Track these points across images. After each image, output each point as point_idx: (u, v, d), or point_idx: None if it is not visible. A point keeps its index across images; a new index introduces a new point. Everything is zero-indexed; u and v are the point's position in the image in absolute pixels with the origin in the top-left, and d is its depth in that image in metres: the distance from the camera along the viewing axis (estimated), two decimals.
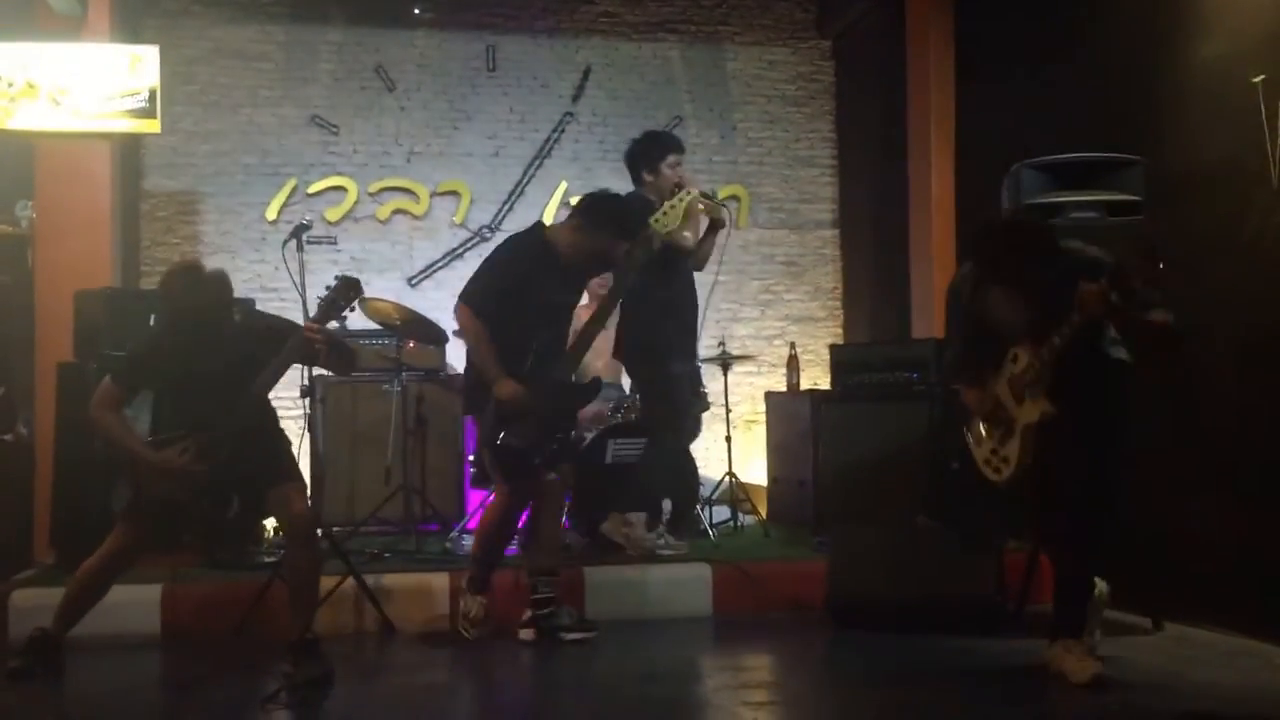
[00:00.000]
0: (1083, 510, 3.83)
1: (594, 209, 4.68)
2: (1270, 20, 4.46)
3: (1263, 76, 4.37)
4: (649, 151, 5.75)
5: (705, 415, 6.37)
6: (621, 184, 7.90)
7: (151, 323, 5.48)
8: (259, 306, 6.41)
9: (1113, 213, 4.68)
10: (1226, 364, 4.60)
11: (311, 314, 4.11)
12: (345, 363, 4.33)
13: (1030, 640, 4.39)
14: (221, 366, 3.98)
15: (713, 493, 6.39)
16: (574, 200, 7.78)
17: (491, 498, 4.85)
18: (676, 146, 5.81)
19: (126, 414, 4.11)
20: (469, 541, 6.06)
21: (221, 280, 4.11)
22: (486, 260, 4.74)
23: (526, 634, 4.56)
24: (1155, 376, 3.96)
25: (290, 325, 4.19)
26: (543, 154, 7.92)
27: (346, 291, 4.09)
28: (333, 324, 4.18)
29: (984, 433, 4.04)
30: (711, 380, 6.45)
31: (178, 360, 4.02)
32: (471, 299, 4.54)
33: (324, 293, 4.08)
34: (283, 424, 4.29)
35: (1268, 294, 4.41)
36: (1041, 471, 3.86)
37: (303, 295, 5.02)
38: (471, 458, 6.49)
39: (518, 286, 4.49)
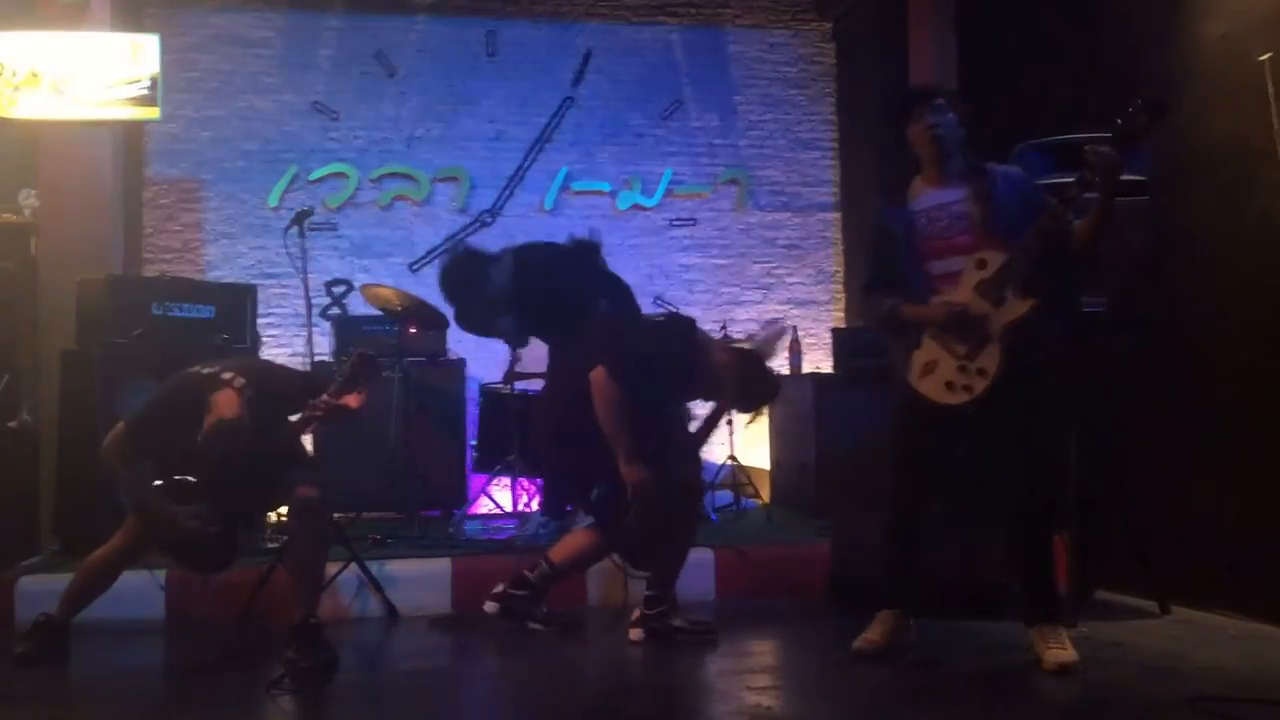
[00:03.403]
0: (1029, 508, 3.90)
1: None
2: None
3: (1269, 54, 4.34)
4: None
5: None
6: (619, 168, 7.97)
7: (154, 310, 5.54)
8: (260, 293, 6.42)
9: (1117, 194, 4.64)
10: (1234, 345, 4.58)
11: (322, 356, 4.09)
12: (347, 421, 4.31)
13: None
14: (229, 451, 3.93)
15: (715, 477, 6.39)
16: (575, 188, 7.88)
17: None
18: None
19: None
20: (471, 527, 6.09)
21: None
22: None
23: (635, 634, 4.37)
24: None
25: (302, 389, 4.17)
26: (543, 138, 7.89)
27: (362, 367, 4.08)
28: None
29: (947, 350, 3.81)
30: None
31: (185, 437, 3.96)
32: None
33: (339, 368, 4.08)
34: None
35: (1275, 273, 4.39)
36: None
37: (304, 282, 5.03)
38: (474, 443, 6.52)
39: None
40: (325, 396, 4.02)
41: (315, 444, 5.40)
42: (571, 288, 4.98)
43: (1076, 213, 3.69)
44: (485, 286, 5.10)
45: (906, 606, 4.08)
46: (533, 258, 5.18)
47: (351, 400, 4.10)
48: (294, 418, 4.07)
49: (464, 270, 5.26)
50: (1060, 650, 3.77)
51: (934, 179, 3.97)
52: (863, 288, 4.07)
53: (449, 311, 5.56)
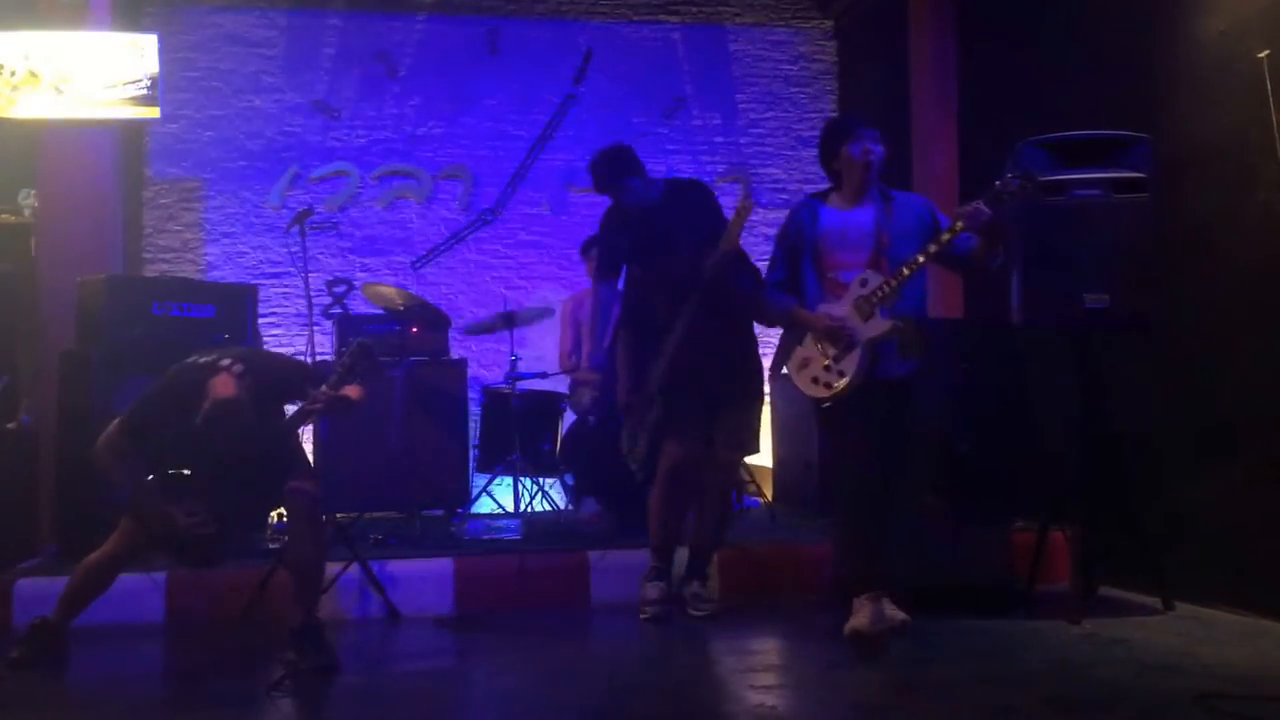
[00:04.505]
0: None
1: None
2: None
3: (1268, 51, 4.33)
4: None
5: None
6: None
7: (154, 310, 5.52)
8: (261, 292, 6.41)
9: (1118, 191, 4.62)
10: (1236, 341, 4.56)
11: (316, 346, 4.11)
12: (347, 412, 4.30)
13: (1040, 620, 4.39)
14: (229, 434, 3.94)
15: None
16: (577, 185, 7.86)
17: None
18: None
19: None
20: (473, 527, 6.09)
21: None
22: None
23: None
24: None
25: (299, 377, 4.18)
26: (545, 137, 7.89)
27: (360, 358, 4.08)
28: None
29: (820, 351, 4.22)
30: None
31: (183, 425, 3.96)
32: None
33: (336, 359, 4.09)
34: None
35: (1276, 268, 4.37)
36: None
37: (306, 281, 5.02)
38: (476, 443, 6.51)
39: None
40: (325, 388, 4.01)
41: (316, 444, 5.38)
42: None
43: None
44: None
45: (880, 586, 4.06)
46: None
47: (351, 391, 4.11)
48: (293, 410, 4.07)
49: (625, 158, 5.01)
50: (856, 618, 4.02)
51: (850, 199, 4.33)
52: (767, 284, 4.47)
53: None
